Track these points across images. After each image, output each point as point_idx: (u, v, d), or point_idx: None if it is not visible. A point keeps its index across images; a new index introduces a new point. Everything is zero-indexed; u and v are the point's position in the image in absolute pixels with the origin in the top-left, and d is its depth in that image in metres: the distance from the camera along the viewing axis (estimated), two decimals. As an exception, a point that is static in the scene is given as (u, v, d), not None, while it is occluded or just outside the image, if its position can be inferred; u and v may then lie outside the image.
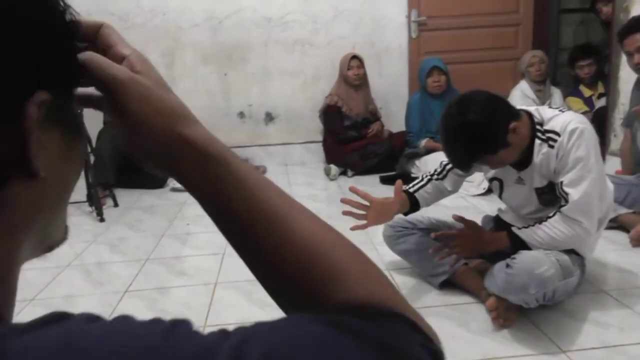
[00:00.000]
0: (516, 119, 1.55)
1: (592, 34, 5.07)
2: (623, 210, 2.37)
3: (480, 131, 1.50)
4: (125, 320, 0.30)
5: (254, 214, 0.39)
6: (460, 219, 1.87)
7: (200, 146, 0.39)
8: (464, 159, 1.58)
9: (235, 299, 1.91)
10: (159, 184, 3.84)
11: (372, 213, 1.64)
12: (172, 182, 3.78)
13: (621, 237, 2.31)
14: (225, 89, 4.33)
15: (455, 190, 1.90)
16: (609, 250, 2.16)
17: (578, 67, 3.87)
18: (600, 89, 3.81)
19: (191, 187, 0.40)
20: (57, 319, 0.29)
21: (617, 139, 3.19)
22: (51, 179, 0.34)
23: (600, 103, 3.78)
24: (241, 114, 4.39)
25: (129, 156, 0.41)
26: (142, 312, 1.83)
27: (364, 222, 1.67)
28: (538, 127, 1.60)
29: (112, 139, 3.41)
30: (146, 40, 4.13)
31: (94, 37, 0.40)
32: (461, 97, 1.58)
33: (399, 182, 1.69)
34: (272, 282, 0.41)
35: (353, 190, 1.69)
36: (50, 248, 0.40)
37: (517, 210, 1.81)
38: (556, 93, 3.96)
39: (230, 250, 2.33)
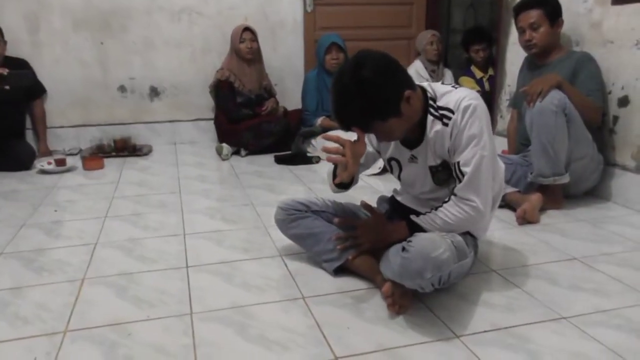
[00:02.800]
0: (411, 88, 1.46)
1: (480, 17, 5.26)
2: (509, 189, 2.43)
3: (372, 90, 1.39)
4: None
5: None
6: (367, 207, 1.78)
7: None
8: (353, 122, 1.46)
9: (106, 296, 1.66)
10: (24, 165, 3.38)
11: (349, 152, 1.55)
12: (41, 163, 3.34)
13: (507, 215, 2.37)
14: (102, 59, 3.90)
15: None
16: (496, 228, 2.19)
17: (473, 50, 3.98)
18: (491, 71, 3.94)
19: None
20: None
21: (504, 119, 3.29)
22: None
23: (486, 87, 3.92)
24: (122, 88, 3.99)
25: None
26: (-13, 319, 1.53)
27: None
28: (431, 102, 1.53)
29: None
30: (3, 0, 3.59)
31: None
32: (358, 53, 1.45)
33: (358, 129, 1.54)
34: None
35: (327, 137, 1.64)
36: None
37: (413, 191, 1.75)
38: (448, 74, 4.06)
39: (104, 240, 2.02)
